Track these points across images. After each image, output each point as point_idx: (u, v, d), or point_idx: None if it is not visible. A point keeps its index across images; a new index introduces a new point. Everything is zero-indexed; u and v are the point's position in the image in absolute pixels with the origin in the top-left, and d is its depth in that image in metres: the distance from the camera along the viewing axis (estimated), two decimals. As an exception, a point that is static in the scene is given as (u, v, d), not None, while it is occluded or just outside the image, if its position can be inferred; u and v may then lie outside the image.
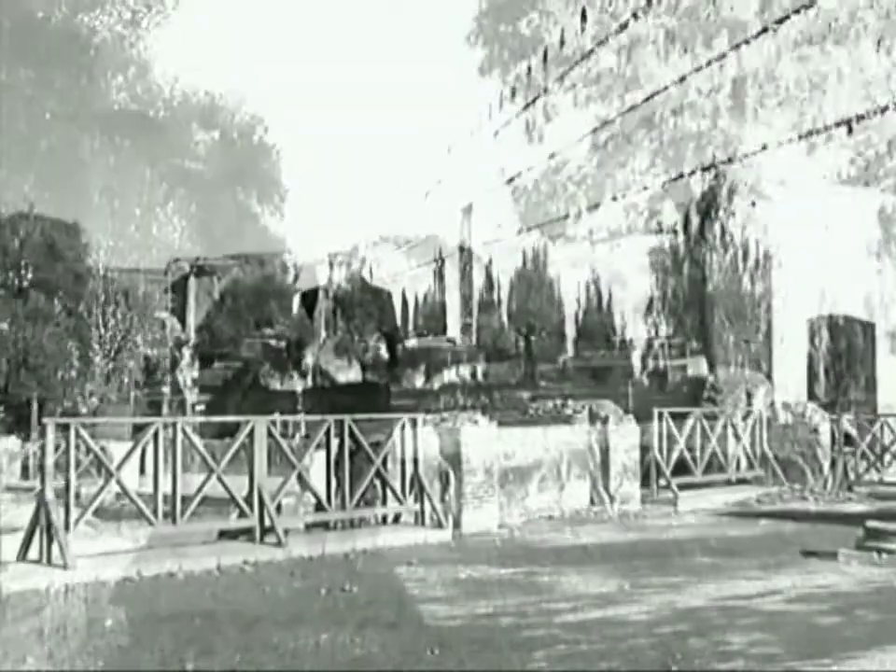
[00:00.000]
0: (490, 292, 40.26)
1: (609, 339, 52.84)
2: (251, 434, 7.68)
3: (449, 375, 50.84)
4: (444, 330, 45.27)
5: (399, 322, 43.66)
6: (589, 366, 34.13)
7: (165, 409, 27.61)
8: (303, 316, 47.82)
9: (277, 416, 9.99)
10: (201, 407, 30.07)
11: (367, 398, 40.80)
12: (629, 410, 11.83)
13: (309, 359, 56.38)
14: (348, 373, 56.28)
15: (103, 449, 7.52)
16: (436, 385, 47.20)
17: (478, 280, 42.06)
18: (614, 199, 18.06)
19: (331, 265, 62.51)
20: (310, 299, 55.75)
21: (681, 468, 11.19)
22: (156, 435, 7.19)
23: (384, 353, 47.39)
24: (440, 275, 64.51)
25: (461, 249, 48.36)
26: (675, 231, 17.55)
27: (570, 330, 41.29)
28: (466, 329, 42.99)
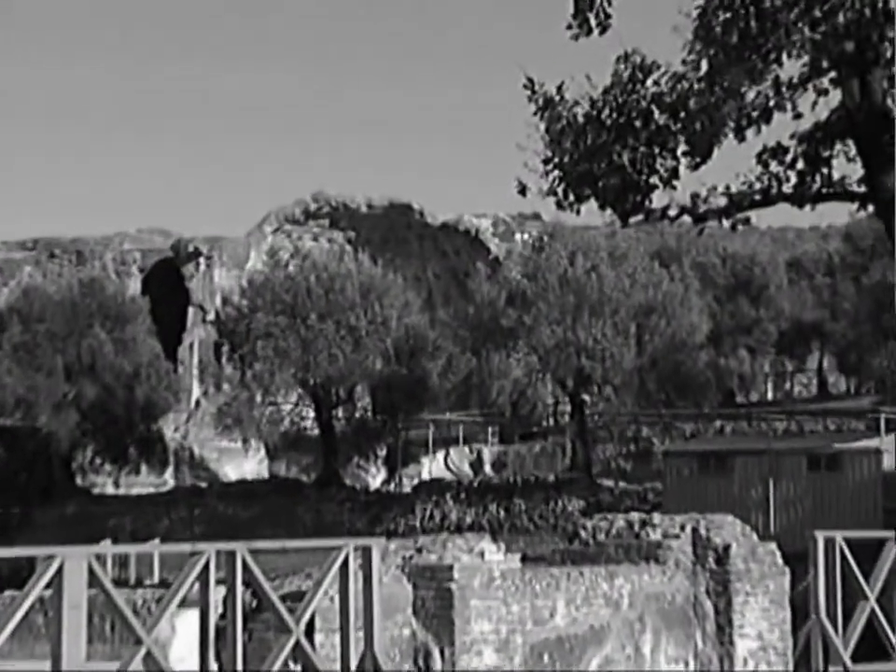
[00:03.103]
0: (508, 308, 40.62)
1: (733, 394, 52.97)
2: (57, 580, 7.48)
3: (432, 466, 51.22)
4: (419, 388, 45.49)
5: (342, 363, 44.25)
6: (696, 450, 33.87)
7: None
8: (157, 354, 48.18)
9: (108, 546, 9.60)
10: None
11: (279, 508, 41.02)
12: (770, 533, 11.51)
13: (170, 437, 56.13)
14: (243, 464, 56.10)
15: None
16: (407, 486, 47.35)
17: (481, 289, 42.54)
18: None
19: (198, 259, 63.03)
20: (171, 320, 55.81)
21: (872, 644, 10.91)
22: None
23: (310, 425, 47.80)
24: (427, 285, 64.71)
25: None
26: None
27: (655, 380, 41.77)
28: (465, 386, 43.21)
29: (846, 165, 19.87)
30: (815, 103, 19.22)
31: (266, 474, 51.41)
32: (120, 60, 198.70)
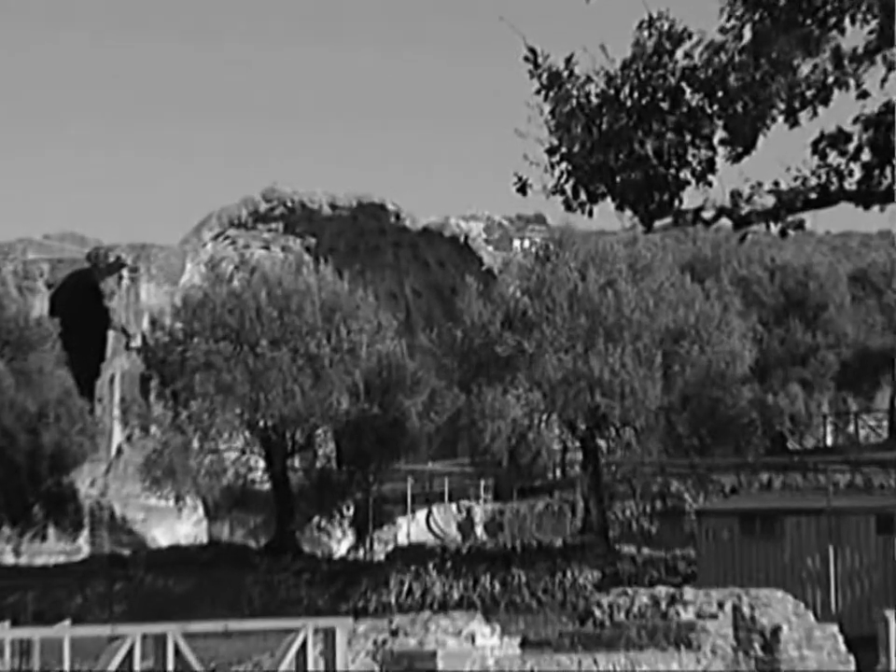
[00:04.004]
0: (505, 333, 40.38)
1: (783, 439, 53.03)
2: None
3: (410, 528, 51.13)
4: (395, 431, 45.08)
5: (299, 401, 43.80)
6: (737, 509, 33.66)
7: None
8: (69, 390, 47.85)
9: (6, 629, 9.68)
10: None
11: (221, 581, 40.79)
12: (830, 612, 11.52)
13: (85, 494, 55.95)
14: (176, 526, 56.01)
15: None
16: (380, 552, 47.14)
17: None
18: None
19: (121, 274, 62.88)
20: (87, 347, 55.56)
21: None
22: None
23: (260, 478, 47.47)
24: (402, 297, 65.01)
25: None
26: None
27: (686, 422, 41.53)
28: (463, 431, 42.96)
29: (923, 156, 19.97)
30: (884, 79, 19.31)
31: (205, 539, 51.26)
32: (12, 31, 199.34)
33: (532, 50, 19.82)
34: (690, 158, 19.10)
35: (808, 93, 18.36)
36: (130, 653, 8.22)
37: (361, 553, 47.69)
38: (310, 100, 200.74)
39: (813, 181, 20.18)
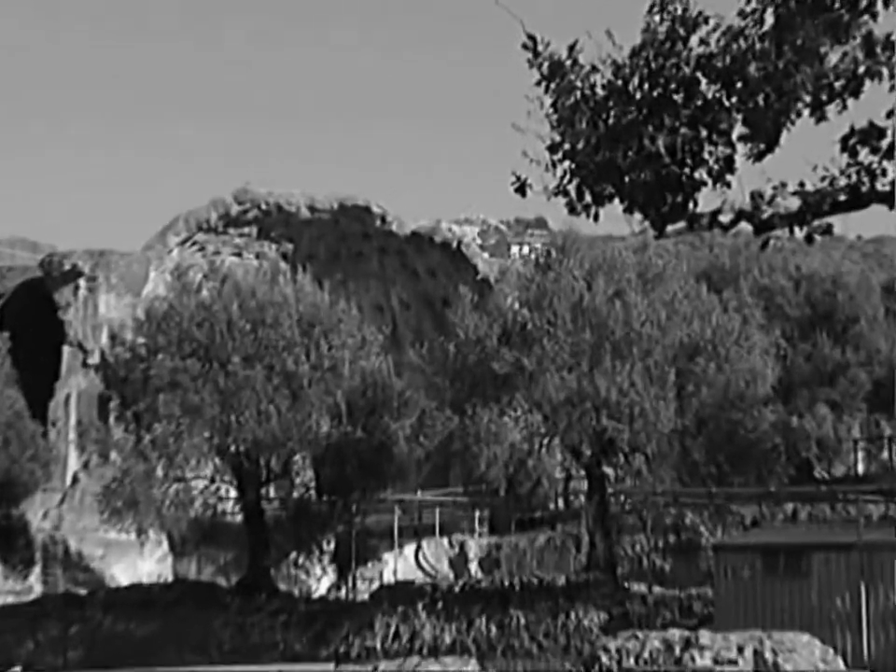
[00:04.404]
0: (502, 348, 40.23)
1: (810, 466, 52.98)
2: None
3: (397, 564, 50.98)
4: (381, 457, 44.91)
5: (274, 424, 43.61)
6: (759, 544, 33.47)
7: None
8: (19, 412, 47.59)
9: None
10: None
11: (188, 623, 40.59)
12: (862, 658, 11.49)
13: (37, 527, 55.74)
14: (139, 563, 55.82)
15: None
16: (364, 592, 46.93)
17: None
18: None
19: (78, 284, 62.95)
20: (39, 364, 55.34)
21: None
22: None
23: (231, 509, 47.22)
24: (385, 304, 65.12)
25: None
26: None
27: (703, 447, 41.44)
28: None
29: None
30: (921, 69, 19.34)
31: (170, 576, 51.10)
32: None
33: (531, 37, 19.80)
34: (706, 155, 19.09)
35: (837, 84, 18.33)
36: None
37: (343, 592, 47.55)
38: (287, 93, 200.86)
39: (842, 181, 20.14)
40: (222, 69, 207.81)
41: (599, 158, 19.29)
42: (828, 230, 20.92)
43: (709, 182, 19.23)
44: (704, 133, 18.84)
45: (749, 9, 18.30)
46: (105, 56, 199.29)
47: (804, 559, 30.85)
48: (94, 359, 56.14)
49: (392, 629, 37.74)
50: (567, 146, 19.58)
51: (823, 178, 19.37)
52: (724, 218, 20.36)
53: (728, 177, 19.25)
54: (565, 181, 19.86)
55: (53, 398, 59.43)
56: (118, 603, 43.32)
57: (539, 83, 19.33)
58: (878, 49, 18.23)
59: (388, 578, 48.59)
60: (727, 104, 18.50)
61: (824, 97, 18.23)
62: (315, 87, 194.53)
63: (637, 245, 42.68)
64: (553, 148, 19.74)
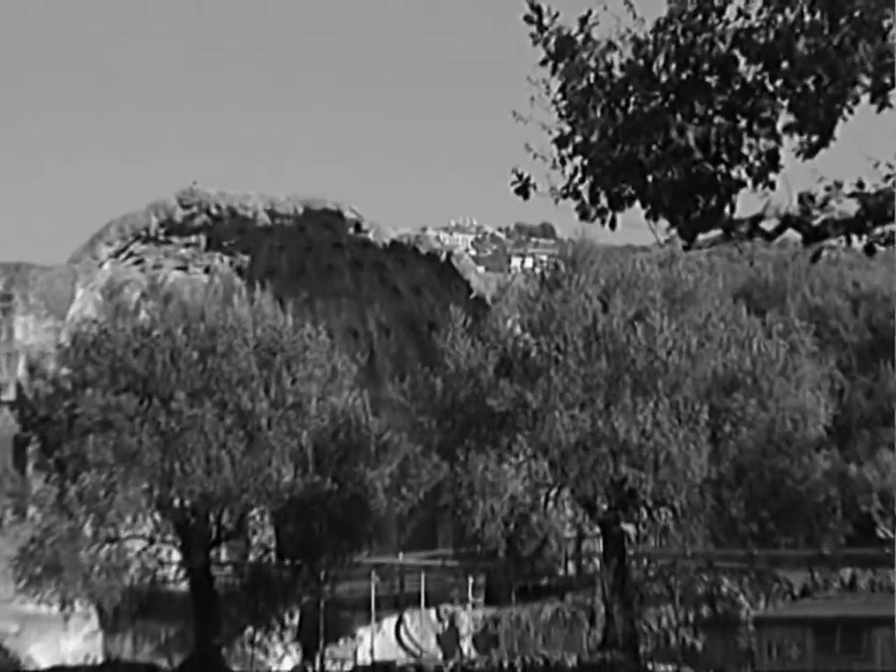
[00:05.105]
0: (501, 381, 40.02)
1: (871, 523, 52.91)
2: None
3: (374, 641, 50.88)
4: (355, 512, 44.64)
5: (227, 473, 43.24)
6: (810, 617, 33.14)
7: None
8: None
9: None
10: None
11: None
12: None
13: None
14: (62, 640, 55.60)
15: None
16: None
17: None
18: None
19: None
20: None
21: None
22: None
23: (174, 575, 46.85)
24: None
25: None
26: None
27: (742, 500, 41.26)
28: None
29: None
30: None
31: (100, 657, 50.86)
32: None
33: (536, 7, 19.76)
34: (745, 150, 19.06)
35: (903, 64, 18.32)
36: None
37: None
38: (242, 75, 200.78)
39: (909, 181, 20.15)
40: (162, 46, 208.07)
41: (617, 153, 19.29)
42: (891, 239, 20.95)
43: (749, 182, 19.22)
44: (743, 122, 18.84)
45: (795, -25, 18.27)
46: (12, 42, 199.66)
47: (864, 635, 30.88)
48: (9, 395, 55.97)
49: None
50: (578, 138, 19.58)
51: (887, 178, 19.36)
52: (768, 225, 20.37)
53: (772, 176, 19.23)
54: (575, 180, 19.84)
55: (-42, 441, 59.30)
56: (37, 689, 43.22)
57: (544, 63, 19.31)
58: (952, 22, 18.24)
59: (364, 658, 48.56)
60: (770, 87, 18.51)
61: (887, 80, 18.24)
62: (275, 67, 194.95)
63: (663, 258, 42.76)
64: (561, 141, 19.74)
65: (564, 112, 19.51)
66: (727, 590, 46.95)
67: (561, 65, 19.28)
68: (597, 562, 47.01)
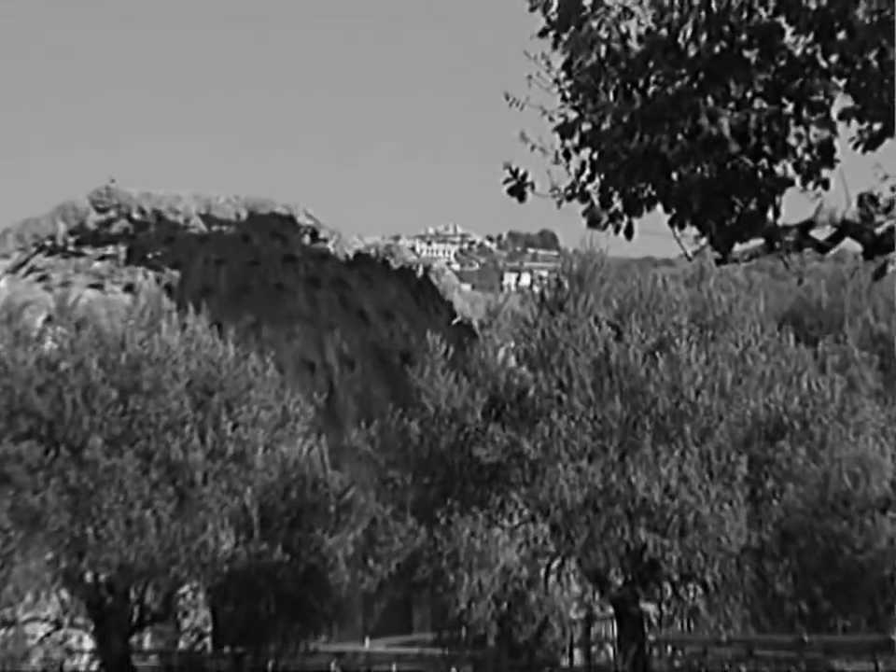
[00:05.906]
0: (490, 425, 39.96)
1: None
2: None
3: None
4: (311, 589, 44.53)
5: (152, 541, 43.05)
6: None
7: None
8: None
9: None
10: None
11: None
12: None
13: None
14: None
15: None
16: None
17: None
18: None
19: None
20: None
21: None
22: None
23: (87, 665, 46.71)
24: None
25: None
26: None
27: (788, 573, 41.20)
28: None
29: None
30: None
31: None
32: None
33: (534, -36, 19.76)
34: (792, 141, 19.05)
35: None
36: None
37: None
38: (174, 52, 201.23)
39: None
40: (79, 20, 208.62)
41: (634, 144, 19.21)
42: (975, 251, 20.96)
43: (798, 180, 19.16)
44: (789, 107, 18.78)
45: (854, -75, 18.22)
46: None
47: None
48: None
49: None
50: (586, 126, 19.51)
51: (969, 176, 19.36)
52: (820, 234, 20.35)
53: (825, 173, 19.19)
54: (583, 178, 19.76)
55: None
56: None
57: (544, 33, 19.21)
58: None
59: None
60: (823, 64, 18.48)
61: (966, 55, 18.23)
62: (215, 42, 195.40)
63: (691, 274, 42.85)
64: (565, 130, 19.65)
65: (569, 94, 19.44)
66: (771, 683, 47.04)
67: (565, 36, 19.20)
68: (611, 650, 47.00)
